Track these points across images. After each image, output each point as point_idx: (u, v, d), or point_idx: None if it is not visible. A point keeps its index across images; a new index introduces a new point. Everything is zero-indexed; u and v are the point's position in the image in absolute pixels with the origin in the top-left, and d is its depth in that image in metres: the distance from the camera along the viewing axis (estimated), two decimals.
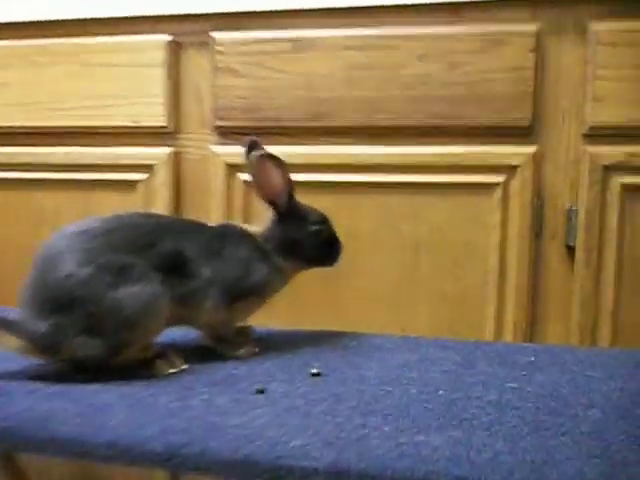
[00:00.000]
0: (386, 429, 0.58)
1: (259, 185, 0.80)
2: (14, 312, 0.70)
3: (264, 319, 1.12)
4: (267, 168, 0.78)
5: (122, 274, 0.69)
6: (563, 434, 0.58)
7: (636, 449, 0.55)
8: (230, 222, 0.86)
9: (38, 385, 0.68)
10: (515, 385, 0.73)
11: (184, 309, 0.75)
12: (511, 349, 0.92)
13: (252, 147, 0.81)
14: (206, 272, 0.76)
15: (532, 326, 1.08)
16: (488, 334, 1.09)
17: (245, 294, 0.79)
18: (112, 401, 0.64)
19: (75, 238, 0.71)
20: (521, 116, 1.04)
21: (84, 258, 0.69)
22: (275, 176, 0.79)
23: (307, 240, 0.83)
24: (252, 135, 0.83)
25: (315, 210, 0.86)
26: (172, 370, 0.74)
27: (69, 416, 0.59)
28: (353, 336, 0.94)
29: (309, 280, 1.13)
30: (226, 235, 0.80)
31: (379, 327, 1.10)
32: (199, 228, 0.80)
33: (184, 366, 0.75)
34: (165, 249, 0.74)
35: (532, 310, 1.08)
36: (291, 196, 0.82)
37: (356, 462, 0.51)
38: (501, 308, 1.08)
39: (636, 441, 0.56)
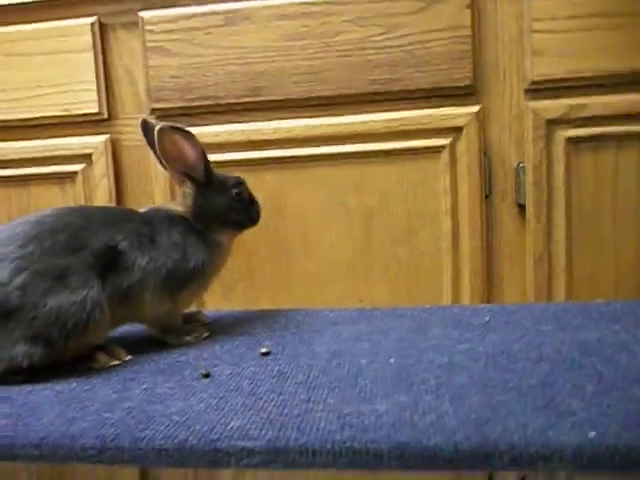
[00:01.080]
0: (331, 401, 0.56)
1: (170, 159, 0.76)
2: None
3: (220, 301, 1.11)
4: (175, 140, 0.74)
5: (60, 279, 0.66)
6: (510, 390, 0.57)
7: (581, 398, 0.54)
8: (157, 205, 0.82)
9: None
10: (467, 346, 0.72)
11: (125, 308, 0.72)
12: (466, 311, 0.91)
13: (146, 126, 0.78)
14: (141, 263, 0.72)
15: (489, 288, 1.08)
16: (446, 299, 1.08)
17: (186, 280, 0.76)
18: (47, 399, 0.61)
19: (5, 245, 0.67)
20: (462, 76, 1.02)
21: (17, 266, 0.66)
22: (186, 147, 0.75)
23: (232, 205, 0.80)
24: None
25: (228, 174, 0.83)
26: (114, 362, 0.71)
27: None
28: (307, 312, 0.92)
29: (261, 261, 1.11)
30: (155, 220, 0.76)
31: (336, 301, 1.09)
32: (127, 216, 0.76)
33: (127, 357, 0.72)
34: (98, 246, 0.70)
35: (488, 272, 1.07)
36: (207, 164, 0.78)
37: (295, 438, 0.49)
38: (457, 273, 1.07)
39: (581, 390, 0.56)
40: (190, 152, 0.76)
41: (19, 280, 0.65)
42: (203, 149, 0.77)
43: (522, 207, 1.05)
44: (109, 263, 0.71)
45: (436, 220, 1.07)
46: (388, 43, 1.03)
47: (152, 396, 0.60)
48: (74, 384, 0.65)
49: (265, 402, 0.57)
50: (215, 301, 1.11)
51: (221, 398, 0.58)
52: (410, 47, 1.02)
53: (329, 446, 0.48)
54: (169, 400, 0.59)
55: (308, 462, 0.48)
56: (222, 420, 0.53)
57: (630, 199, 1.02)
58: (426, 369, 0.65)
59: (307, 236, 1.09)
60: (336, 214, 1.08)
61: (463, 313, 0.90)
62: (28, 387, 0.65)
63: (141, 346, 0.77)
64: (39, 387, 0.65)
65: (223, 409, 0.56)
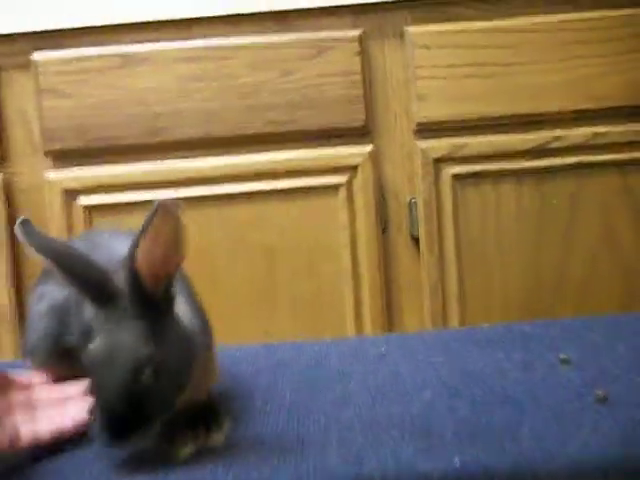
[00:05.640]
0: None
1: None
2: None
3: None
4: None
5: None
6: (394, 426, 0.60)
7: (453, 422, 0.59)
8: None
9: None
10: (360, 379, 0.75)
11: None
12: (365, 343, 0.95)
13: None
14: None
15: (389, 318, 1.13)
16: (348, 329, 1.12)
17: None
18: None
19: None
20: (355, 117, 1.09)
21: None
22: None
23: None
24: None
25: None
26: None
27: None
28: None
29: None
30: None
31: (243, 336, 1.10)
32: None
33: None
34: None
35: (387, 303, 1.12)
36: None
37: None
38: (358, 304, 1.12)
39: (454, 414, 0.60)
40: None
41: None
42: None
43: (416, 239, 1.12)
44: None
45: (336, 254, 1.11)
46: (283, 86, 1.08)
47: None
48: None
49: None
50: None
51: None
52: (304, 90, 1.08)
53: None
54: None
55: None
56: None
57: (511, 229, 1.11)
58: (317, 409, 0.67)
59: (212, 273, 1.10)
60: (240, 251, 1.10)
61: (362, 344, 0.93)
62: None
63: None
64: None
65: None
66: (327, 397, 0.69)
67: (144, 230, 0.49)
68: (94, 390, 0.48)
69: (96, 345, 0.47)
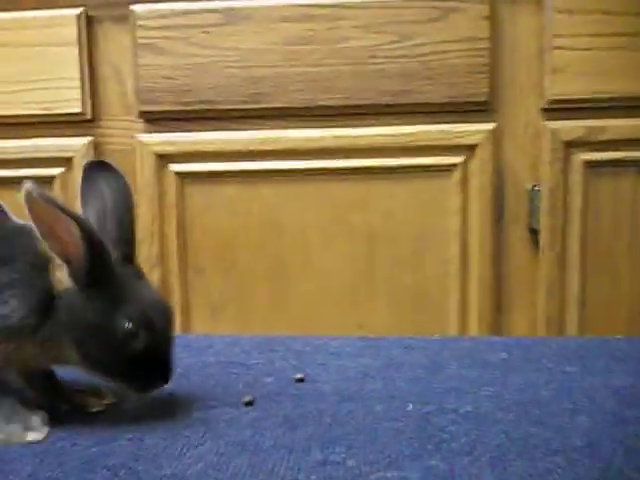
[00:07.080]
0: (351, 464, 0.48)
1: (41, 232, 0.51)
2: None
3: (208, 323, 1.02)
4: (47, 212, 0.50)
5: None
6: (555, 452, 0.50)
7: (637, 466, 0.47)
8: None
9: None
10: (491, 391, 0.65)
11: None
12: (480, 345, 0.84)
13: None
14: None
15: (497, 316, 1.02)
16: (452, 327, 1.02)
17: None
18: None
19: None
20: (477, 91, 0.97)
21: None
22: (62, 225, 0.51)
23: (104, 339, 0.52)
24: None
25: (142, 300, 0.55)
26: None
27: None
28: (307, 340, 0.85)
29: (255, 280, 1.03)
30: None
31: (335, 327, 1.01)
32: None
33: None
34: None
35: (497, 299, 1.01)
36: (97, 262, 0.52)
37: None
38: (464, 299, 1.01)
39: (635, 456, 0.49)
40: (68, 235, 0.51)
41: None
42: (92, 239, 0.51)
43: (535, 232, 0.99)
44: None
45: (444, 242, 1.00)
46: (401, 52, 0.97)
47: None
48: None
49: (275, 462, 0.49)
50: (203, 322, 1.02)
51: (221, 455, 0.50)
52: (424, 58, 0.96)
53: None
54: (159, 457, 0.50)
55: None
56: None
57: None
58: (452, 420, 0.57)
59: (306, 255, 1.02)
60: (338, 233, 1.01)
61: (477, 347, 0.82)
62: None
63: None
64: None
65: (226, 471, 0.47)
66: (460, 410, 0.59)
67: None
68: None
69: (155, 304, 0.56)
